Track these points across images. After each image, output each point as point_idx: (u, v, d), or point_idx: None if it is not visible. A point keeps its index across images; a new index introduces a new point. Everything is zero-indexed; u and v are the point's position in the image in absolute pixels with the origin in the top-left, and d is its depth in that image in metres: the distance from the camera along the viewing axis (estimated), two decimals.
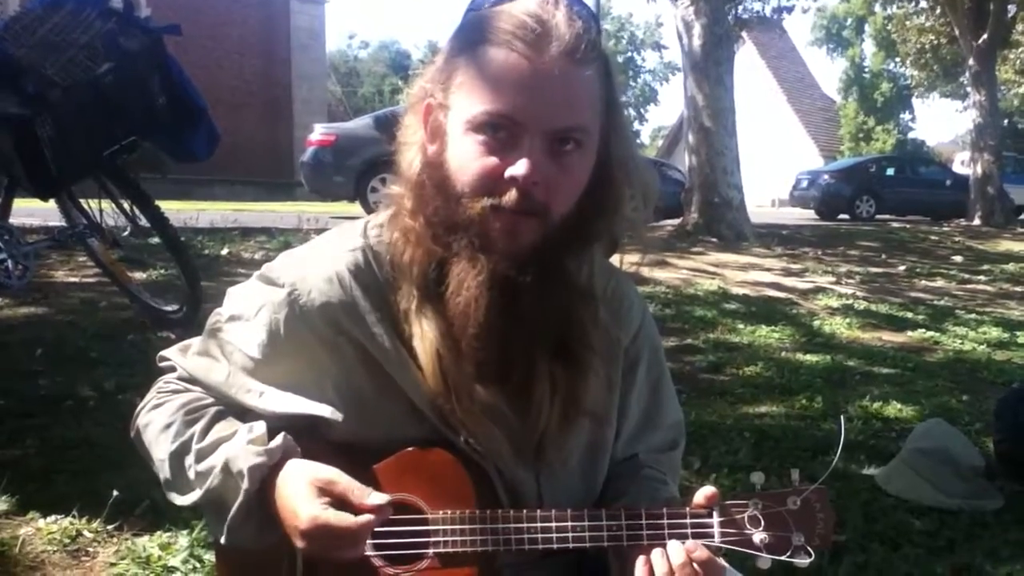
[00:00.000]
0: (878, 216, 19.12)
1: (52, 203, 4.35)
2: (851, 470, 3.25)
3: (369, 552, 1.07)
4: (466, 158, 1.04)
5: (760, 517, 1.05)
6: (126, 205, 4.35)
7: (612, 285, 1.24)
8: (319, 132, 11.91)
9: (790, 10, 15.27)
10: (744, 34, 19.18)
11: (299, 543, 1.04)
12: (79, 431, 3.04)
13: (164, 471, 1.14)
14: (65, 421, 3.14)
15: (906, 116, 40.40)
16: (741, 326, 5.83)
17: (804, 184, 20.74)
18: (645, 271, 7.46)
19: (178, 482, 1.13)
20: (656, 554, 1.05)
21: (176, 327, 4.23)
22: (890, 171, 21.02)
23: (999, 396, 3.69)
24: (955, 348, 5.72)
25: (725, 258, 9.39)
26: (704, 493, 1.07)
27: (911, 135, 40.53)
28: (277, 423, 1.12)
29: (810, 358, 5.05)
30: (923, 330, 6.23)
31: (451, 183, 1.06)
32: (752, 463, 3.18)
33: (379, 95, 40.83)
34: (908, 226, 16.53)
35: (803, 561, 1.04)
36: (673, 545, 1.05)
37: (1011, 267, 10.68)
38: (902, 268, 10.03)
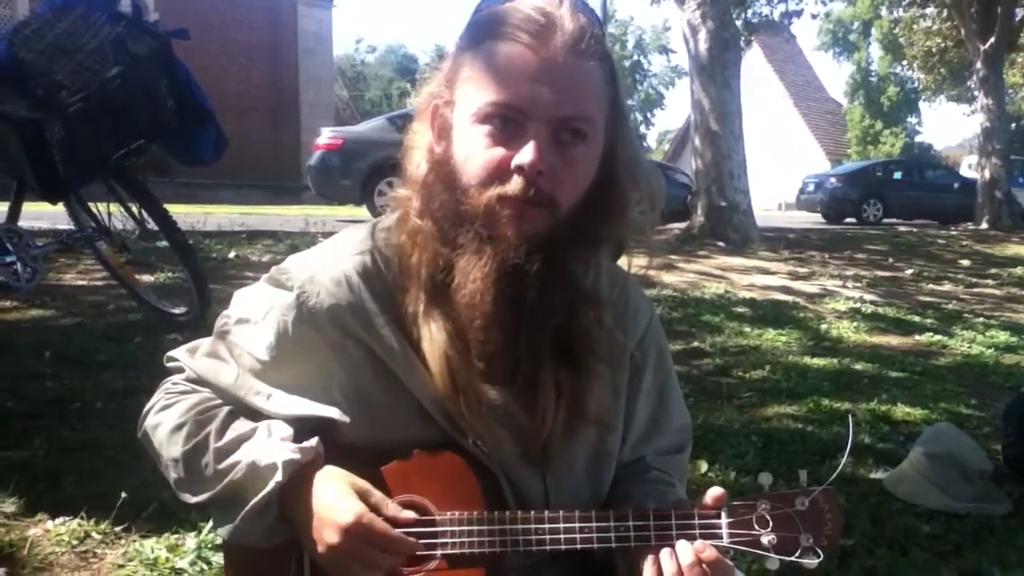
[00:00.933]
0: (885, 220, 19.05)
1: (61, 206, 4.37)
2: (859, 474, 3.23)
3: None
4: (472, 149, 1.05)
5: (768, 518, 1.05)
6: (134, 208, 4.37)
7: (619, 289, 1.24)
8: (326, 136, 11.94)
9: (799, 14, 15.23)
10: (752, 39, 19.14)
11: (334, 539, 1.04)
12: (87, 433, 3.05)
13: (177, 470, 1.14)
14: (73, 423, 3.15)
15: (913, 120, 40.34)
16: (748, 329, 5.82)
17: (811, 188, 20.68)
18: (652, 274, 7.46)
19: (191, 481, 1.14)
20: (665, 554, 1.05)
21: (183, 330, 4.24)
22: (897, 175, 20.96)
23: (1007, 400, 3.68)
24: (963, 352, 5.71)
25: (732, 262, 9.38)
26: (712, 494, 1.07)
27: (918, 139, 40.47)
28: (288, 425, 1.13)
29: (817, 362, 5.04)
30: (931, 334, 6.21)
31: (457, 176, 1.07)
32: (759, 466, 3.17)
33: (386, 99, 40.90)
34: (915, 230, 16.47)
35: (811, 562, 1.04)
36: (682, 545, 1.05)
37: (1019, 271, 10.64)
38: (909, 272, 10.00)
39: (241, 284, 1.26)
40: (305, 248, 1.26)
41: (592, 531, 1.07)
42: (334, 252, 1.17)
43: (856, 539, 2.65)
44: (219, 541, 2.04)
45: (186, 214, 8.31)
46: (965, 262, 11.57)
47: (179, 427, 1.15)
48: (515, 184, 1.03)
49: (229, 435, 1.13)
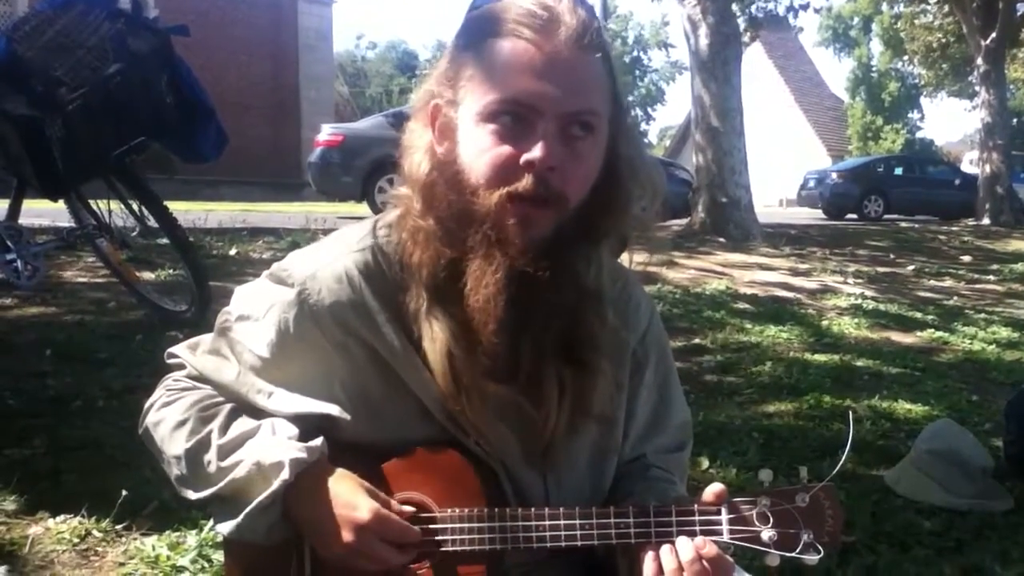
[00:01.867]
0: (886, 216, 19.05)
1: (61, 204, 4.37)
2: (860, 471, 3.24)
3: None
4: (480, 148, 1.04)
5: (769, 514, 1.05)
6: (135, 205, 4.37)
7: (620, 286, 1.24)
8: (327, 132, 11.92)
9: (805, 7, 15.13)
10: (758, 35, 19.03)
11: (350, 537, 1.05)
12: (88, 431, 3.05)
13: (179, 467, 1.14)
14: (74, 421, 3.15)
15: (914, 115, 40.29)
16: (749, 326, 5.82)
17: (812, 184, 20.69)
18: (653, 271, 7.46)
19: (194, 478, 1.14)
20: (665, 550, 1.05)
21: (184, 327, 4.24)
22: (898, 171, 20.94)
23: (1008, 397, 3.68)
24: (964, 348, 5.70)
25: (733, 258, 9.37)
26: (712, 490, 1.07)
27: (919, 134, 40.40)
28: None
29: (819, 358, 5.04)
30: (932, 330, 6.20)
31: (464, 177, 1.06)
32: (760, 463, 3.17)
33: (387, 95, 40.83)
34: (916, 226, 16.47)
35: (812, 558, 1.04)
36: (682, 541, 1.05)
37: (1020, 267, 10.62)
38: (911, 268, 9.99)
39: (242, 281, 1.25)
40: (306, 245, 1.25)
41: (593, 528, 1.07)
42: (335, 249, 1.16)
43: (857, 536, 2.65)
44: (220, 539, 2.04)
45: (187, 211, 8.30)
46: (966, 258, 11.56)
47: (181, 424, 1.15)
48: (525, 181, 1.03)
49: (232, 432, 1.13)
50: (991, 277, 9.78)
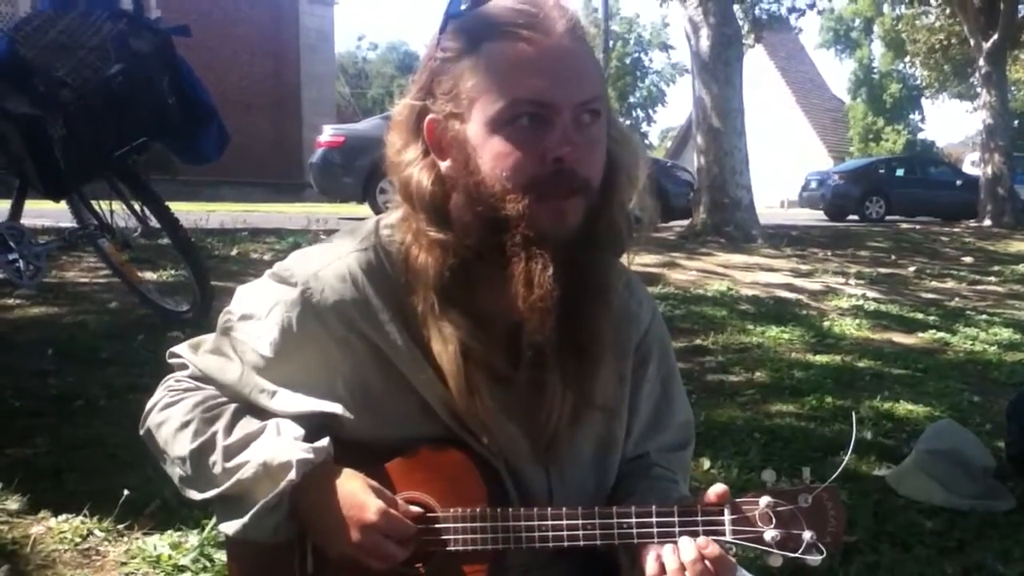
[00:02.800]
0: (888, 217, 19.02)
1: (63, 204, 4.37)
2: (862, 471, 3.23)
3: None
4: (501, 154, 1.03)
5: (771, 514, 1.04)
6: (136, 206, 4.37)
7: (623, 280, 1.23)
8: (328, 133, 11.91)
9: (812, 5, 15.10)
10: (762, 36, 19.01)
11: (357, 536, 1.05)
12: (90, 430, 3.05)
13: (183, 468, 1.15)
14: (75, 421, 3.15)
15: (916, 117, 40.20)
16: (751, 327, 5.81)
17: (813, 185, 20.66)
18: (654, 271, 7.46)
19: (199, 478, 1.14)
20: (667, 549, 1.05)
21: (186, 327, 4.24)
22: (900, 172, 20.92)
23: (1010, 397, 3.67)
24: (966, 349, 5.69)
25: (734, 259, 9.36)
26: (715, 491, 1.07)
27: (921, 136, 40.30)
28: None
29: (820, 359, 5.04)
30: (934, 331, 6.19)
31: (488, 186, 1.04)
32: (762, 464, 3.17)
33: (388, 96, 40.82)
34: (918, 227, 16.44)
35: (815, 558, 1.03)
36: (685, 541, 1.05)
37: (1022, 268, 10.61)
38: (912, 269, 9.98)
39: (243, 281, 1.25)
40: (307, 246, 1.25)
41: (595, 527, 1.07)
42: (337, 248, 1.16)
43: (859, 536, 2.65)
44: (222, 538, 2.04)
45: (188, 211, 8.30)
46: (968, 259, 11.54)
47: (185, 425, 1.15)
48: (554, 177, 1.03)
49: (237, 433, 1.13)
50: (992, 278, 9.76)
